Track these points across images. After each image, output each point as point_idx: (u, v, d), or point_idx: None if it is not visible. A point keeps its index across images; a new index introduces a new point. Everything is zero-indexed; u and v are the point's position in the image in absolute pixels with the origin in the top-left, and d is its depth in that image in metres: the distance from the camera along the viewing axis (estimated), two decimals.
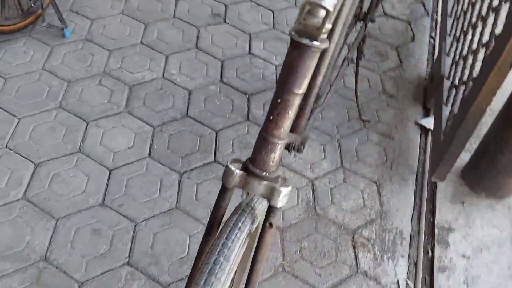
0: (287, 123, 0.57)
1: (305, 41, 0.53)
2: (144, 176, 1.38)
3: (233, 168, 0.59)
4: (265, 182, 0.59)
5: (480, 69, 1.17)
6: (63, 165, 1.38)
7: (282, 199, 0.59)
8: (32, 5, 1.67)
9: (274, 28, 1.92)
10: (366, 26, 1.39)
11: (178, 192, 1.35)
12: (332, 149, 1.52)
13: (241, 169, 0.59)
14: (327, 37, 0.55)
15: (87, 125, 1.49)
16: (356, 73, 1.55)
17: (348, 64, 1.31)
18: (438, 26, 2.00)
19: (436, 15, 2.06)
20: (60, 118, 1.50)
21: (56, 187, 1.33)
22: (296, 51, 0.54)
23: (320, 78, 0.86)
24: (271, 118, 0.57)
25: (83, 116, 1.51)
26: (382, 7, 2.08)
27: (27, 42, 1.71)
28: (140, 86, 1.63)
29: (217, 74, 1.71)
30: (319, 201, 1.38)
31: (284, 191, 0.59)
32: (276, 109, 0.56)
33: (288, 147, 0.87)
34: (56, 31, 1.74)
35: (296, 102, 0.56)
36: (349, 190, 1.42)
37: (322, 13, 0.51)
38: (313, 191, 1.40)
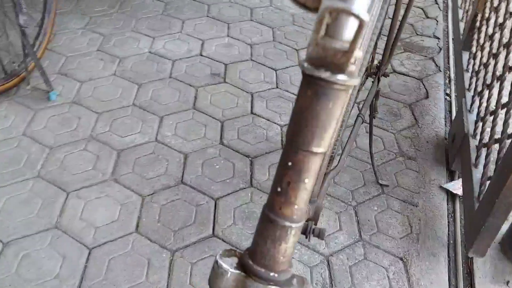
0: (304, 196, 0.37)
1: (325, 74, 0.32)
2: (129, 255, 1.17)
3: (224, 266, 0.38)
4: (273, 287, 0.39)
5: None
6: (35, 244, 1.18)
7: None
8: (16, 67, 1.56)
9: (277, 86, 1.79)
10: (379, 80, 1.26)
11: (168, 275, 1.14)
12: (348, 218, 1.32)
13: (236, 268, 0.39)
14: None
15: (66, 196, 1.30)
16: (370, 132, 1.39)
17: (362, 122, 1.15)
18: (453, 82, 1.87)
19: (449, 71, 1.95)
20: (37, 189, 1.32)
21: (24, 271, 1.12)
22: (311, 90, 0.34)
23: (334, 135, 0.68)
24: (278, 189, 0.37)
25: (62, 186, 1.33)
26: (390, 64, 1.97)
27: (9, 106, 1.58)
28: (130, 150, 1.47)
29: (216, 135, 1.55)
30: (337, 283, 1.15)
31: None
32: (285, 176, 0.36)
33: (305, 231, 0.61)
34: (41, 94, 1.62)
35: (315, 165, 0.36)
36: (371, 268, 1.20)
37: (352, 27, 0.32)
38: (329, 270, 1.18)
